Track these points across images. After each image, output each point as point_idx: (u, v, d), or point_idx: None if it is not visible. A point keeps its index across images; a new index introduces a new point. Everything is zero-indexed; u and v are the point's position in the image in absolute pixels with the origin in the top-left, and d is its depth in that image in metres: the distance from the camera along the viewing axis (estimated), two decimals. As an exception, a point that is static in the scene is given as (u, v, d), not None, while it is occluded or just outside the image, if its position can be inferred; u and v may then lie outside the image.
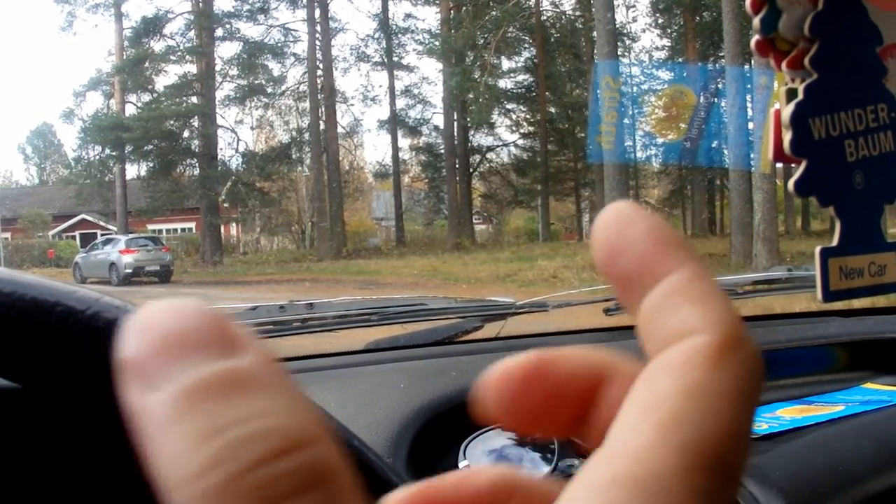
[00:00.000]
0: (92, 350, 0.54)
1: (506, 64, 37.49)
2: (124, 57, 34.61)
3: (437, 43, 35.26)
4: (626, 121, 22.47)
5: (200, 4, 35.16)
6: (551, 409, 0.32)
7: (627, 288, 0.31)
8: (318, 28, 34.83)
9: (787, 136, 0.75)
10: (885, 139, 0.81)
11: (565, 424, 0.33)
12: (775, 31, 0.75)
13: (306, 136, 37.39)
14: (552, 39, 36.85)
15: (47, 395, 0.58)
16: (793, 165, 0.78)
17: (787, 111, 0.75)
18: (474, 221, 40.30)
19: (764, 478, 1.21)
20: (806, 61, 0.75)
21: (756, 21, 0.75)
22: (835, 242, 0.79)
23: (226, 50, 46.51)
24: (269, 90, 38.00)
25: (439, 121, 38.29)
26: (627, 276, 0.30)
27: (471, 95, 32.15)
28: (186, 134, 35.68)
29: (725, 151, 20.97)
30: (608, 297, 2.18)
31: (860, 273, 0.80)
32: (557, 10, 37.37)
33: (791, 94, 0.76)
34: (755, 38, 0.77)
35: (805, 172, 0.75)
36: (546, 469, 1.24)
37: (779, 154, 0.76)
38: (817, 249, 0.78)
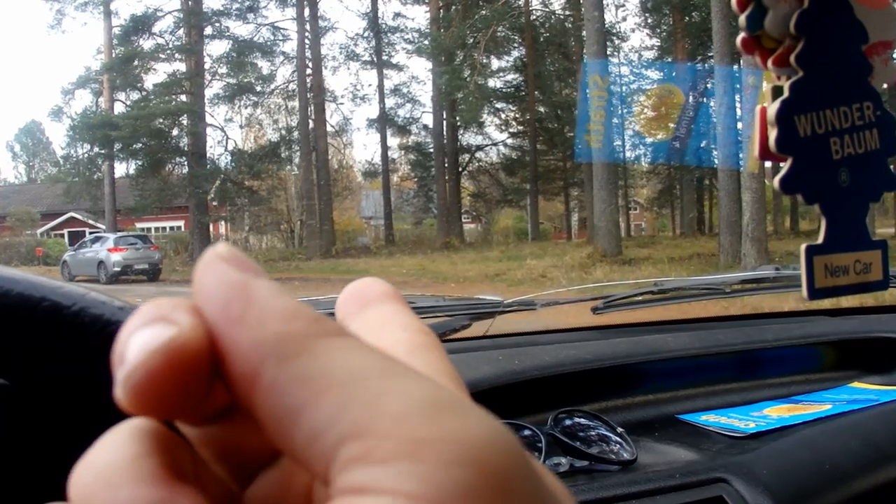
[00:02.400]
0: (78, 346, 0.54)
1: (495, 63, 37.55)
2: (113, 55, 34.51)
3: (426, 42, 35.27)
4: (615, 120, 22.49)
5: (189, 3, 35.09)
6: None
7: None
8: (308, 27, 34.79)
9: (772, 134, 0.75)
10: (871, 137, 0.81)
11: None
12: (761, 29, 0.76)
13: (295, 134, 37.39)
14: (541, 39, 36.88)
15: (34, 390, 0.58)
16: (780, 164, 0.78)
17: (773, 109, 0.75)
18: (463, 220, 40.31)
19: (751, 476, 1.21)
20: (792, 59, 0.76)
21: (742, 19, 0.75)
22: (820, 240, 0.79)
23: (215, 48, 46.44)
24: (259, 89, 37.95)
25: (428, 120, 38.36)
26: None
27: (460, 94, 32.12)
28: (175, 132, 35.62)
29: (714, 151, 21.01)
30: (596, 295, 2.19)
31: (845, 271, 0.80)
32: (547, 10, 37.40)
33: (777, 91, 0.76)
34: (741, 35, 0.77)
35: (790, 170, 0.75)
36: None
37: (764, 152, 0.76)
38: (802, 247, 0.78)
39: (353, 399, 0.25)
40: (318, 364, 0.26)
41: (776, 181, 0.76)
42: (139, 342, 0.26)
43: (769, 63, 0.77)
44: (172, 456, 0.28)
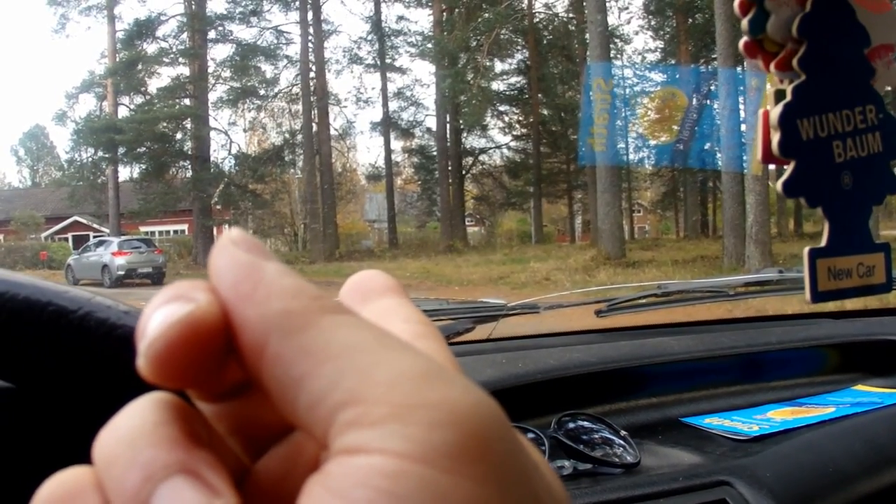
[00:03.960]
0: (84, 349, 0.54)
1: (498, 66, 37.66)
2: (117, 59, 34.61)
3: (429, 45, 35.32)
4: (618, 123, 22.48)
5: (193, 7, 35.15)
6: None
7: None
8: (311, 30, 34.84)
9: (775, 137, 0.75)
10: (874, 140, 0.81)
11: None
12: (763, 33, 0.76)
13: (299, 138, 37.48)
14: (545, 41, 36.91)
15: (41, 394, 0.58)
16: (784, 167, 0.78)
17: (776, 112, 0.75)
18: (467, 223, 40.38)
19: (754, 479, 1.21)
20: (794, 63, 0.76)
21: (744, 23, 0.75)
22: (823, 243, 0.79)
23: (218, 52, 46.54)
24: (262, 92, 38.07)
25: (432, 123, 38.48)
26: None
27: (463, 97, 32.18)
28: (179, 136, 35.76)
29: (718, 153, 20.99)
30: (599, 298, 2.18)
31: (848, 274, 0.80)
32: (550, 12, 37.44)
33: (779, 95, 0.76)
34: (744, 39, 0.77)
35: (793, 173, 0.75)
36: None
37: (767, 155, 0.76)
38: (806, 250, 0.78)
39: (350, 369, 0.27)
40: (319, 338, 0.28)
41: (779, 184, 0.76)
42: (160, 317, 0.29)
43: (771, 67, 0.77)
44: (190, 424, 0.30)
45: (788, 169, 0.75)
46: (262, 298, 0.29)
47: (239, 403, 0.33)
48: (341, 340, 0.28)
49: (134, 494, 0.27)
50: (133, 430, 0.29)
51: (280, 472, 0.33)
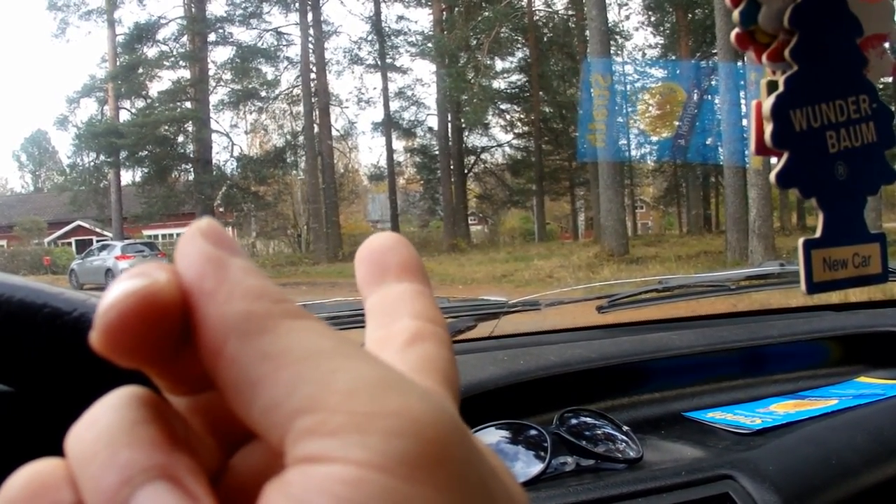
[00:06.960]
0: (80, 351, 0.54)
1: (499, 64, 37.68)
2: (118, 63, 34.65)
3: (430, 44, 35.30)
4: (619, 119, 22.46)
5: (193, 10, 35.19)
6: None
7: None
8: (311, 31, 34.84)
9: (768, 129, 0.75)
10: (867, 130, 0.81)
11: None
12: (755, 24, 0.76)
13: (300, 139, 37.50)
14: (545, 39, 36.94)
15: (38, 397, 0.58)
16: (773, 158, 0.78)
17: (768, 103, 0.75)
18: (470, 222, 40.37)
19: (757, 472, 1.21)
20: (786, 53, 0.76)
21: (736, 14, 0.75)
22: (818, 234, 0.79)
23: (219, 55, 46.78)
24: (263, 94, 38.08)
25: (433, 122, 38.45)
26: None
27: (464, 96, 32.19)
28: (181, 139, 35.85)
29: (719, 148, 20.97)
30: (600, 294, 2.18)
31: (844, 264, 0.80)
32: (550, 10, 37.45)
33: (772, 86, 0.76)
34: (735, 31, 0.77)
35: (787, 164, 0.75)
36: (539, 466, 1.24)
37: (760, 147, 0.76)
38: (800, 241, 0.78)
39: (308, 376, 0.27)
40: (278, 343, 0.27)
41: (773, 176, 0.76)
42: (117, 289, 0.28)
43: (763, 58, 0.77)
44: (169, 423, 0.29)
45: (782, 160, 0.75)
46: (224, 297, 0.28)
47: (211, 397, 0.32)
48: (300, 346, 0.28)
49: (111, 497, 0.26)
50: (111, 427, 0.28)
51: (257, 468, 0.31)
